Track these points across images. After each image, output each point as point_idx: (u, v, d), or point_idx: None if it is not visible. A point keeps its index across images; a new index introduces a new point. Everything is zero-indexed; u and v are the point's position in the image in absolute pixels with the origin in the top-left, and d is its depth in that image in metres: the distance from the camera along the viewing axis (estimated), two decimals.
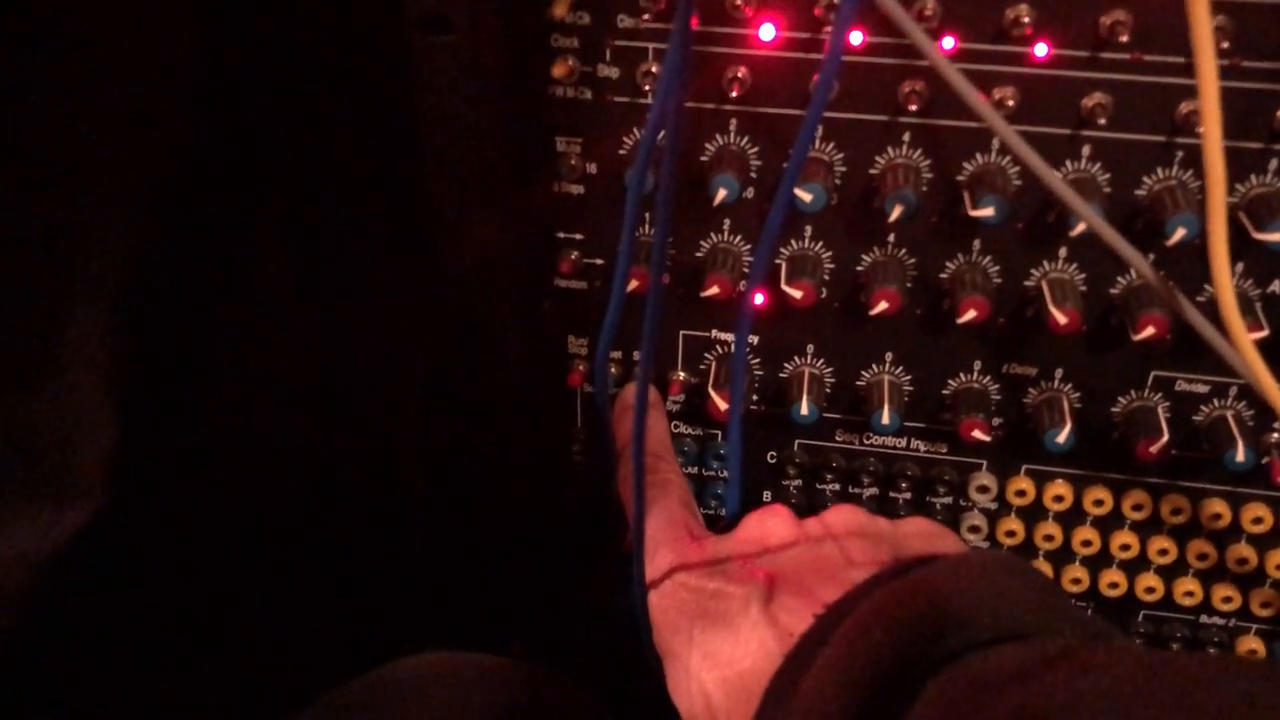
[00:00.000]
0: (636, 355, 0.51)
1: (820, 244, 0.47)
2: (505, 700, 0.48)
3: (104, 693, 0.45)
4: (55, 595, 0.41)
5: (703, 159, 0.45)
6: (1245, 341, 0.36)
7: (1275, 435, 0.47)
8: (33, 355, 0.41)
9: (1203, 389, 0.47)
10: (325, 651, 0.52)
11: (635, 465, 0.40)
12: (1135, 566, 0.52)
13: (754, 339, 0.50)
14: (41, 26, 0.39)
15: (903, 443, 0.51)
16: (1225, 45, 0.39)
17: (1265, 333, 0.43)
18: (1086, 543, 0.51)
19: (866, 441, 0.52)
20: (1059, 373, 0.48)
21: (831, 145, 0.44)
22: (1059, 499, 0.50)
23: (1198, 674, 0.28)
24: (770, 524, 0.43)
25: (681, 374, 0.52)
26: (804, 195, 0.43)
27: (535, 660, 0.52)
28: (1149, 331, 0.43)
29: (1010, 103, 0.41)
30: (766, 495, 0.55)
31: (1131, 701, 0.28)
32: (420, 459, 0.60)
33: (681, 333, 0.51)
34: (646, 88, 0.44)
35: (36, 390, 0.41)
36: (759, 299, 0.48)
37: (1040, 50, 0.41)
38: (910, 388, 0.49)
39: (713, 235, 0.47)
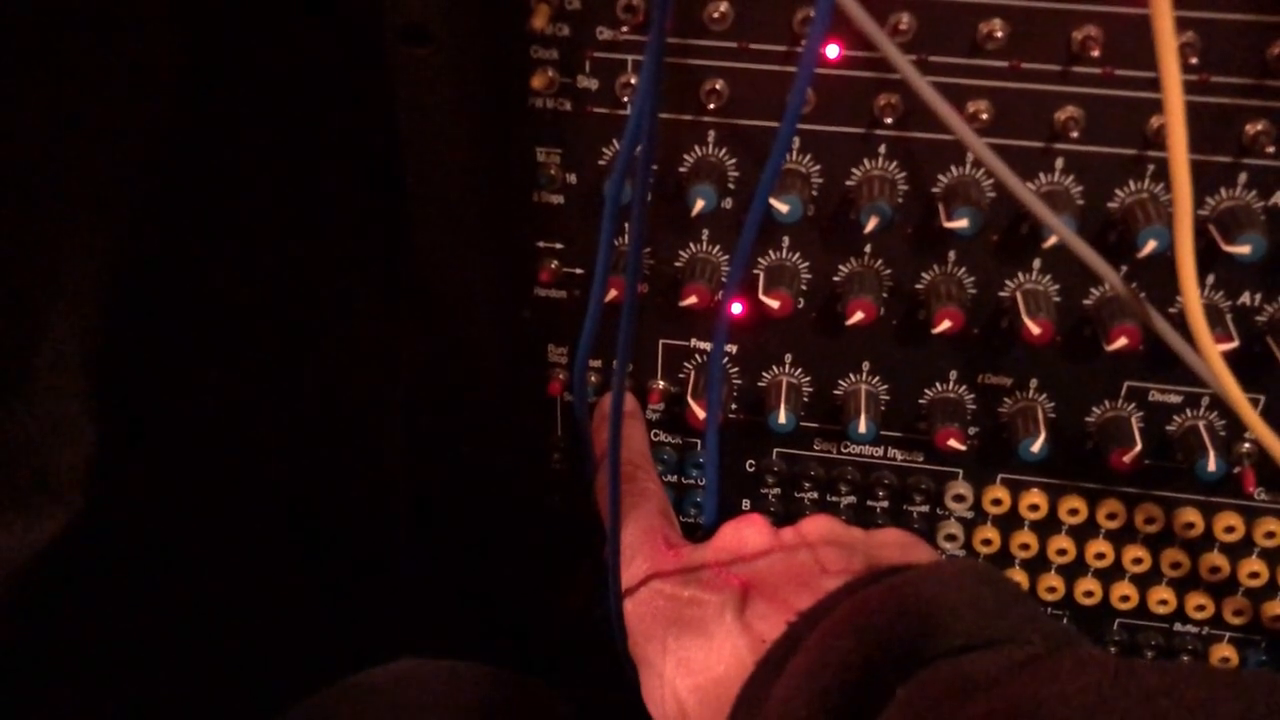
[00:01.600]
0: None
1: (797, 255, 0.47)
2: (481, 707, 0.49)
3: (77, 699, 0.45)
4: (30, 602, 0.41)
5: (681, 170, 0.46)
6: (1213, 353, 0.36)
7: (1247, 445, 0.47)
8: (10, 362, 0.41)
9: (1175, 399, 0.47)
10: (302, 659, 0.52)
11: (611, 474, 0.40)
12: (1110, 575, 0.52)
13: (732, 348, 0.50)
14: (19, 34, 0.39)
15: (880, 451, 0.52)
16: (1193, 61, 0.39)
17: (1235, 344, 0.43)
18: (1062, 551, 0.52)
19: (844, 450, 0.52)
20: (1033, 383, 0.48)
21: (808, 157, 0.45)
22: (1034, 508, 0.51)
23: (1161, 682, 0.28)
24: (746, 532, 0.44)
25: (661, 383, 0.52)
26: (780, 206, 0.43)
27: (511, 667, 0.52)
28: (1121, 342, 0.43)
29: (984, 116, 0.42)
30: (746, 504, 0.55)
31: (1097, 709, 0.29)
32: (402, 466, 0.60)
33: (661, 342, 0.51)
34: (625, 99, 0.45)
35: (13, 397, 0.41)
36: (736, 309, 0.48)
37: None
38: (887, 397, 0.50)
39: (691, 245, 0.48)
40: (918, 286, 0.47)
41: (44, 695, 0.44)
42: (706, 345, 0.50)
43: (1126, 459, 0.47)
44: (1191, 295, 0.35)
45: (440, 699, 0.49)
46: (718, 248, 0.48)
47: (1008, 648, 0.33)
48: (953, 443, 0.48)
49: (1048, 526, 0.52)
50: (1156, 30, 0.32)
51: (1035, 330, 0.44)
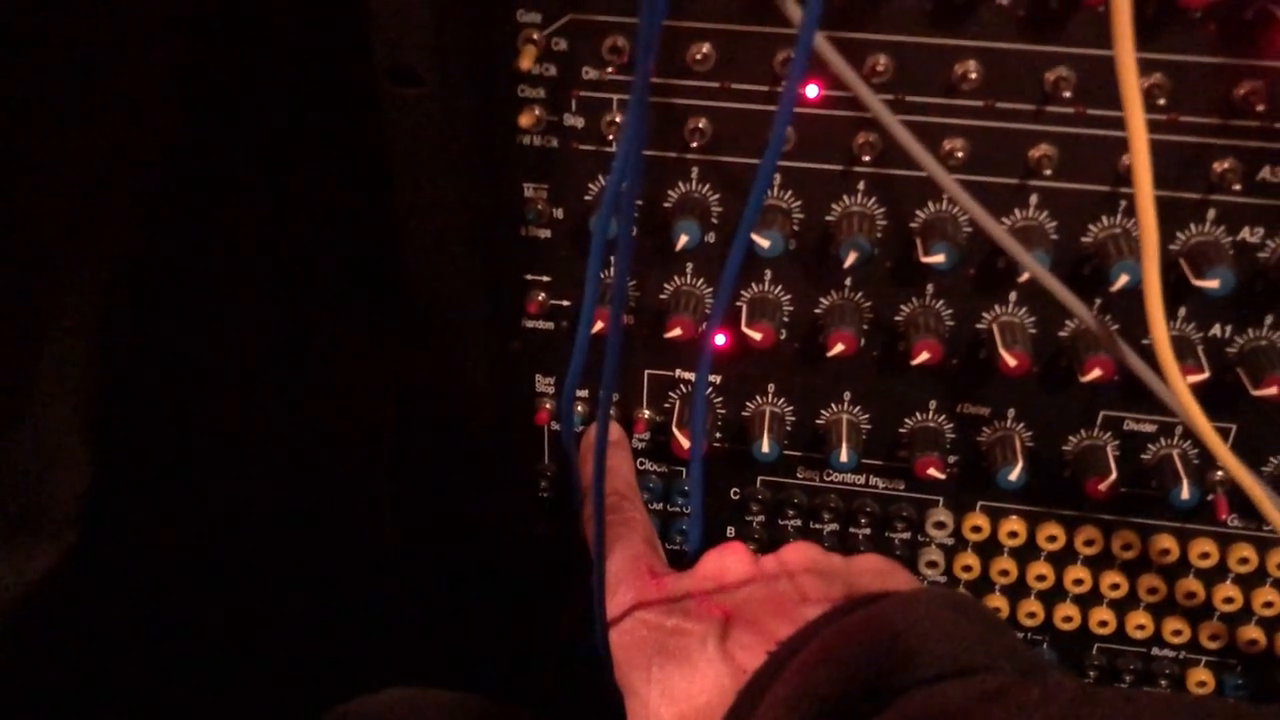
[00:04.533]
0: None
1: (779, 288, 0.48)
2: None
3: None
4: (24, 634, 0.41)
5: (665, 205, 0.47)
6: (1181, 386, 0.37)
7: (1219, 473, 0.48)
8: (6, 395, 0.42)
9: (1150, 428, 0.48)
10: (292, 689, 0.53)
11: (595, 504, 0.41)
12: (1088, 600, 0.53)
13: (716, 379, 0.51)
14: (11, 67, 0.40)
15: (862, 480, 0.53)
16: (1162, 101, 0.40)
17: (1206, 375, 0.44)
18: (1041, 577, 0.53)
19: (827, 478, 0.53)
20: (1011, 412, 0.49)
21: (789, 193, 0.46)
22: (1013, 535, 0.52)
23: (1124, 711, 0.29)
24: (728, 561, 0.44)
25: (646, 412, 0.53)
26: (762, 241, 0.44)
27: (498, 695, 0.52)
28: (1096, 373, 0.44)
29: (960, 154, 0.43)
30: (730, 531, 0.56)
31: None
32: (391, 495, 0.60)
33: (646, 372, 0.52)
34: (610, 137, 0.45)
35: (9, 430, 0.42)
36: (720, 340, 0.49)
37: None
38: (868, 426, 0.51)
39: (676, 278, 0.49)
40: (897, 319, 0.48)
41: None
42: (691, 375, 0.51)
43: (1102, 487, 0.47)
44: (1159, 332, 0.36)
45: None
46: (701, 281, 0.49)
47: (980, 677, 0.33)
48: (932, 471, 0.49)
49: (1027, 553, 0.53)
50: (1120, 73, 0.33)
51: (1012, 362, 0.45)
